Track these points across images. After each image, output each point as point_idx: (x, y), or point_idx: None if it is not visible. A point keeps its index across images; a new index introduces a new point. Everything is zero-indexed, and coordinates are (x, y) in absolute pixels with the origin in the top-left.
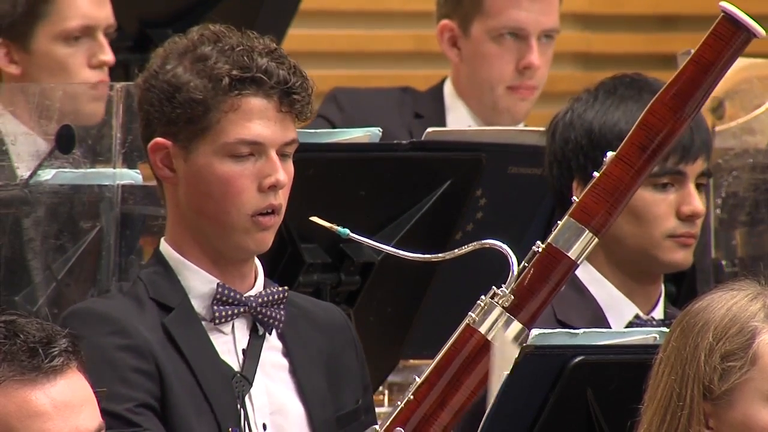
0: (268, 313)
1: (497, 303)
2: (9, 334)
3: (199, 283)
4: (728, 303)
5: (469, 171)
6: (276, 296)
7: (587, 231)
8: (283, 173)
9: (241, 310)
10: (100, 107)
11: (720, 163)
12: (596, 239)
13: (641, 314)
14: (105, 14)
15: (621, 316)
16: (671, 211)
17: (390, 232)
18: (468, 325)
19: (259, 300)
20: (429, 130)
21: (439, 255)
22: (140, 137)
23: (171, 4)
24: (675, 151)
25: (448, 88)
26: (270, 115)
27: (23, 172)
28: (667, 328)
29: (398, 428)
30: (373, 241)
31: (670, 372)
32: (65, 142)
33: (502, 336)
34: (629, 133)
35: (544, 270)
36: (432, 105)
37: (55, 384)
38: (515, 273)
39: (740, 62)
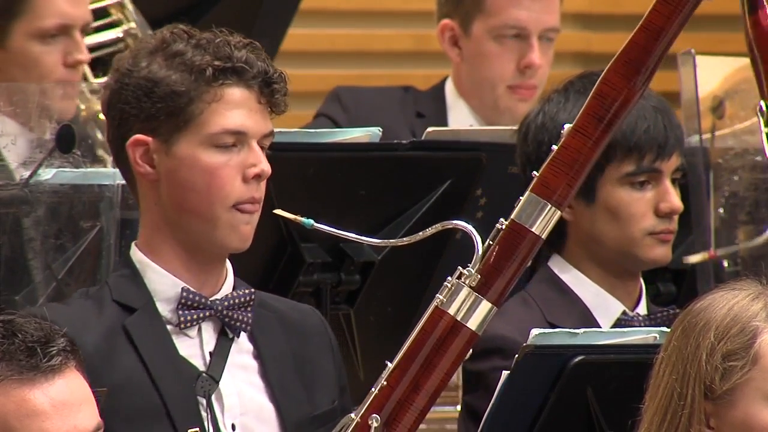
0: (235, 315)
1: (464, 283)
2: (7, 334)
3: (164, 286)
4: (730, 303)
5: (469, 171)
6: (243, 299)
7: (549, 205)
8: (267, 164)
9: (207, 314)
10: (71, 105)
11: (720, 162)
12: (558, 213)
13: (627, 311)
14: (82, 12)
15: (607, 314)
16: (649, 208)
17: (390, 231)
18: (436, 306)
19: (225, 303)
20: (429, 129)
21: (404, 239)
22: (109, 139)
23: (171, 4)
24: (650, 149)
25: (450, 88)
26: (251, 106)
27: (22, 172)
28: (653, 323)
29: (374, 414)
30: (336, 229)
31: (671, 371)
32: (65, 142)
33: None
34: (584, 104)
35: (509, 247)
36: (433, 104)
37: (54, 383)
38: (480, 252)
39: (740, 62)
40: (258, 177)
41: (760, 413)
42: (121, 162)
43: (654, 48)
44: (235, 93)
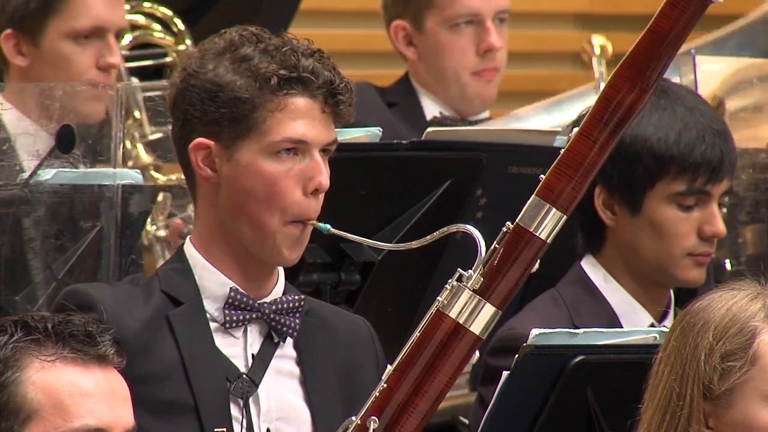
0: (282, 320)
1: (465, 286)
2: (63, 321)
3: (213, 284)
4: (728, 303)
5: (469, 171)
6: (292, 304)
7: (554, 209)
8: (326, 177)
9: (254, 316)
10: (100, 107)
11: None
12: (565, 217)
13: (655, 323)
14: (117, 17)
15: (635, 324)
16: (693, 229)
17: (390, 231)
18: (438, 309)
19: (273, 307)
20: (429, 130)
21: (412, 243)
22: (174, 137)
23: (171, 4)
24: (704, 171)
25: (413, 81)
26: (314, 115)
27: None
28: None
29: (372, 417)
30: (351, 234)
31: (670, 371)
32: (65, 142)
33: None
34: (591, 107)
35: (513, 250)
36: (402, 91)
37: (105, 370)
38: (483, 255)
39: (740, 62)
40: (316, 191)
41: (758, 413)
42: (183, 160)
43: (659, 50)
44: (299, 102)
